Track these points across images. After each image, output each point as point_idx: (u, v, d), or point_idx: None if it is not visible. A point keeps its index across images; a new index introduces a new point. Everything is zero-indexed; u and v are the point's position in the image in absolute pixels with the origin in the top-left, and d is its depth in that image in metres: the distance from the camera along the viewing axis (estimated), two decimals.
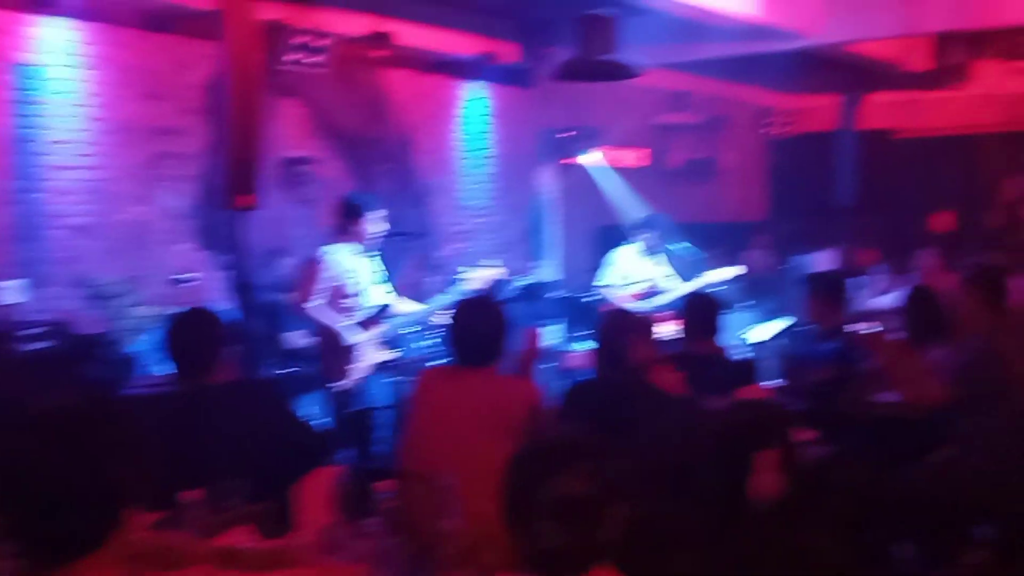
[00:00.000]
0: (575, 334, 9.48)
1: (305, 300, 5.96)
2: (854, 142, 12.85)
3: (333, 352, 6.05)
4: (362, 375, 6.11)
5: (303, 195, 8.85)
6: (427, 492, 3.57)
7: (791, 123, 13.91)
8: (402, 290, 6.89)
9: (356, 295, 6.12)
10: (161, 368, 4.97)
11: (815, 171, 12.89)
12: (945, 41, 10.59)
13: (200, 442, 3.53)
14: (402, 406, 5.55)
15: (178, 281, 7.80)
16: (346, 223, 6.18)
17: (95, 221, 7.50)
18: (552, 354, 9.55)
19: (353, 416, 5.92)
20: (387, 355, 6.26)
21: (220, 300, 8.02)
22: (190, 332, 3.84)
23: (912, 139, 14.10)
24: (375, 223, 6.21)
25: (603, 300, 8.56)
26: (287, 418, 3.98)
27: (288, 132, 8.91)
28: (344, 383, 6.06)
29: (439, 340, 7.26)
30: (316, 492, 3.30)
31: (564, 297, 10.14)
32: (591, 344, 4.09)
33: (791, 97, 14.01)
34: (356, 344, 6.08)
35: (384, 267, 6.50)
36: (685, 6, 7.74)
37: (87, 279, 7.40)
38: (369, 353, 6.14)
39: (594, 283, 8.53)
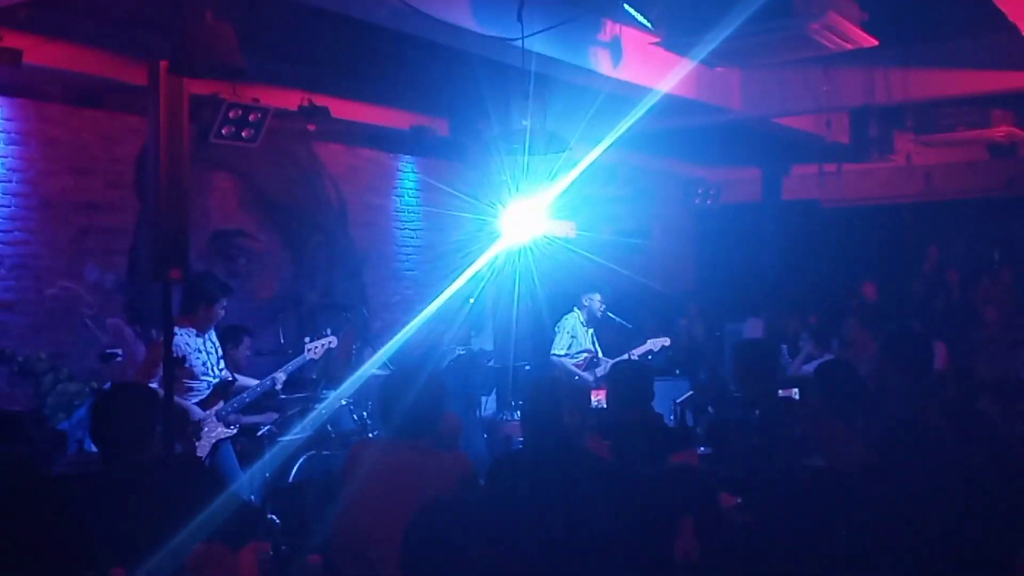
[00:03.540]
0: (510, 403, 9.51)
1: (148, 379, 5.96)
2: (780, 212, 13.17)
3: (179, 428, 6.10)
4: (204, 453, 6.20)
5: (234, 268, 8.82)
6: (357, 567, 3.55)
7: (718, 194, 14.23)
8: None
9: (199, 376, 6.23)
10: (91, 444, 4.88)
11: (742, 241, 13.18)
12: (860, 116, 10.97)
13: (129, 519, 3.48)
14: (331, 480, 5.52)
15: (106, 356, 7.70)
16: (196, 305, 6.28)
17: (21, 296, 7.40)
18: (487, 423, 9.57)
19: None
20: (227, 432, 6.34)
21: None
22: (120, 408, 3.78)
23: (836, 209, 14.51)
24: (221, 309, 6.34)
25: (540, 368, 8.62)
26: (216, 493, 3.93)
27: (220, 205, 8.91)
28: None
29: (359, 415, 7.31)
30: (245, 566, 3.27)
31: (499, 367, 10.18)
32: (522, 413, 4.11)
33: (718, 169, 14.37)
34: (200, 420, 6.20)
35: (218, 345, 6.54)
36: (611, 81, 7.94)
37: (12, 355, 7.27)
38: (211, 431, 6.25)
39: (551, 351, 8.51)
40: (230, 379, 6.44)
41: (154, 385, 5.94)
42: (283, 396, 6.92)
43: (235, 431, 6.44)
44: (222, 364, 6.45)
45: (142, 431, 3.73)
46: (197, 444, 6.17)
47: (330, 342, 6.90)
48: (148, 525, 3.45)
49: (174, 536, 3.39)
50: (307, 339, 6.94)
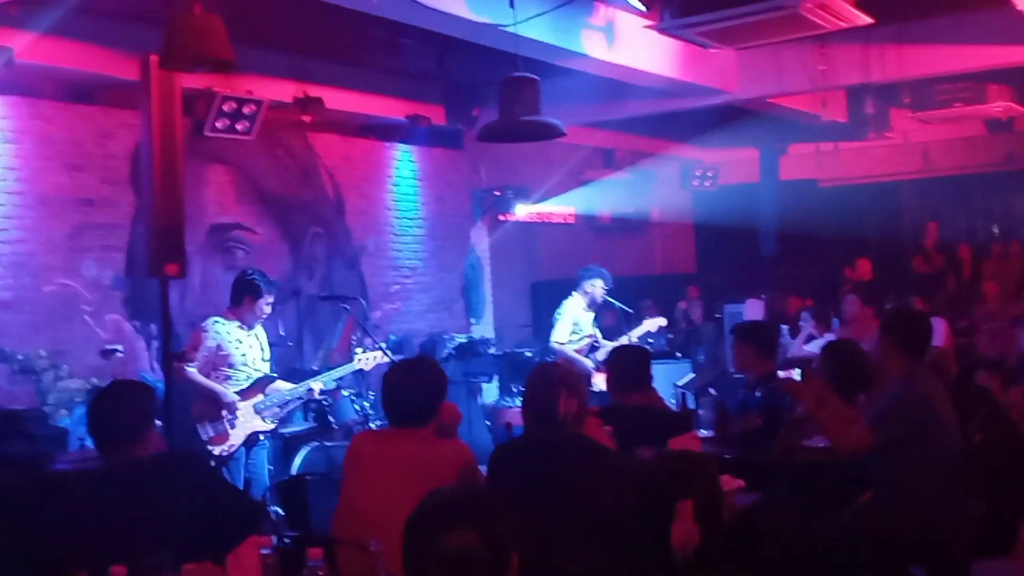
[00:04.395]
0: (511, 390, 9.51)
1: (185, 364, 6.10)
2: (778, 192, 13.13)
3: (210, 416, 6.15)
4: (239, 442, 6.20)
5: (232, 261, 8.81)
6: (359, 559, 3.54)
7: (716, 176, 14.20)
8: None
9: (238, 366, 6.24)
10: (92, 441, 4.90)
11: (741, 222, 13.13)
12: (856, 94, 10.91)
13: (129, 516, 3.47)
14: (334, 471, 5.53)
15: (106, 352, 7.70)
16: (241, 299, 6.30)
17: (18, 295, 7.39)
18: (489, 411, 9.58)
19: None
20: (263, 425, 6.33)
21: (149, 370, 7.94)
22: (115, 405, 3.77)
23: (834, 187, 14.47)
24: (267, 305, 6.33)
25: (543, 355, 8.54)
26: (216, 488, 3.92)
27: (216, 198, 8.89)
28: (222, 448, 6.14)
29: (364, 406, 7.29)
30: (247, 562, 3.26)
31: (500, 353, 10.18)
32: (522, 400, 4.09)
33: (715, 151, 14.32)
34: (234, 411, 6.19)
35: (267, 339, 6.56)
36: (605, 65, 7.91)
37: (12, 354, 7.27)
38: (247, 421, 6.23)
39: (551, 339, 8.36)
40: (274, 376, 6.46)
41: (193, 368, 6.10)
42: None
43: (275, 425, 6.43)
44: (267, 361, 6.46)
45: (138, 427, 3.71)
46: (230, 432, 6.16)
47: (381, 356, 6.83)
48: (146, 521, 3.44)
49: (173, 532, 3.38)
50: (360, 349, 6.92)
